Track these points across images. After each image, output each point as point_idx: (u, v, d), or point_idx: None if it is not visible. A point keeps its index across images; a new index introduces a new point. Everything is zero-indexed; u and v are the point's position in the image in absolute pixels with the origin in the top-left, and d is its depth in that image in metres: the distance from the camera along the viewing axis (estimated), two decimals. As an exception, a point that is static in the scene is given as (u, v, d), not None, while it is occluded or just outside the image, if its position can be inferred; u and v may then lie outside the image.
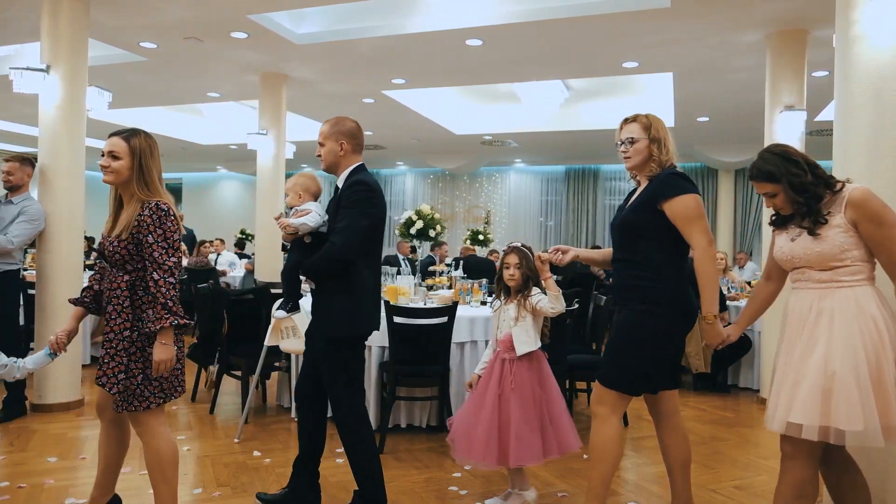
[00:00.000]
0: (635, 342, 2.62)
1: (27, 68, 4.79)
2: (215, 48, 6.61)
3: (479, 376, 3.14)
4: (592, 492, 2.67)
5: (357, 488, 2.91)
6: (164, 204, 2.42)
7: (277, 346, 4.07)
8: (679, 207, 2.56)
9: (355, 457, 2.89)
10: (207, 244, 9.56)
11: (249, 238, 12.62)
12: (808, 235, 2.28)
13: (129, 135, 2.46)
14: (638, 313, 2.63)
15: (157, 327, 2.33)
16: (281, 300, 3.29)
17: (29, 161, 4.52)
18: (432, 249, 9.63)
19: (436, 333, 4.03)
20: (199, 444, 4.02)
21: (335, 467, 3.60)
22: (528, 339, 3.01)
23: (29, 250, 5.51)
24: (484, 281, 5.23)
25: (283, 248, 4.17)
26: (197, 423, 4.52)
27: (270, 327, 3.99)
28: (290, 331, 3.92)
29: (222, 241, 11.05)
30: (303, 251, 2.88)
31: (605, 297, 5.05)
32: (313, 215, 2.88)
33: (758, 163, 2.34)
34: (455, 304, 4.07)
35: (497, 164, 14.53)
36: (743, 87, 7.53)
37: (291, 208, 3.00)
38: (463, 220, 15.09)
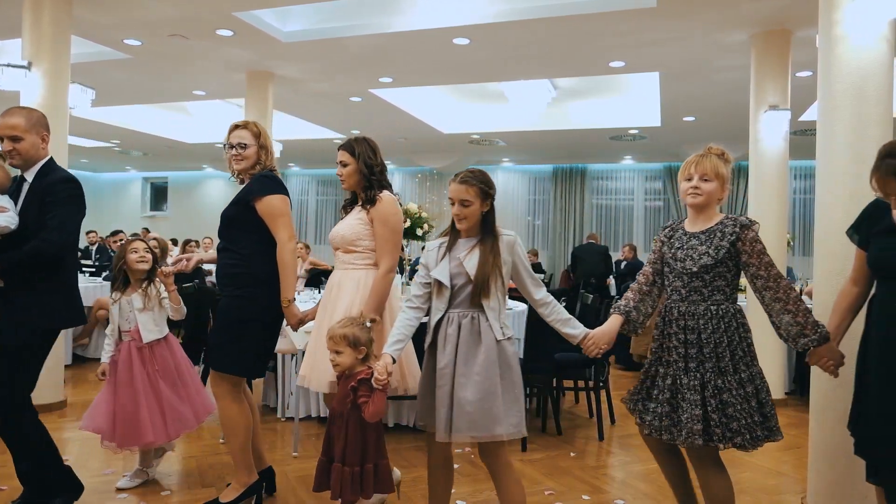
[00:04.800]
0: (233, 326, 2.84)
1: (8, 65, 4.73)
2: (201, 46, 6.57)
3: None
4: (235, 461, 2.95)
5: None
6: None
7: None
8: (265, 206, 2.85)
9: (38, 454, 2.78)
10: (194, 243, 9.49)
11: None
12: (343, 220, 2.87)
13: None
14: (233, 298, 2.87)
15: None
16: None
17: None
18: (422, 249, 9.61)
19: (423, 332, 4.00)
20: (184, 445, 3.98)
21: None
22: (154, 329, 3.32)
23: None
24: None
25: None
26: (182, 423, 4.48)
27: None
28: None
29: (212, 239, 10.97)
30: None
31: (591, 296, 5.08)
32: (11, 216, 2.73)
33: (348, 140, 2.89)
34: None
35: (484, 163, 14.53)
36: (728, 87, 7.58)
37: None
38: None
